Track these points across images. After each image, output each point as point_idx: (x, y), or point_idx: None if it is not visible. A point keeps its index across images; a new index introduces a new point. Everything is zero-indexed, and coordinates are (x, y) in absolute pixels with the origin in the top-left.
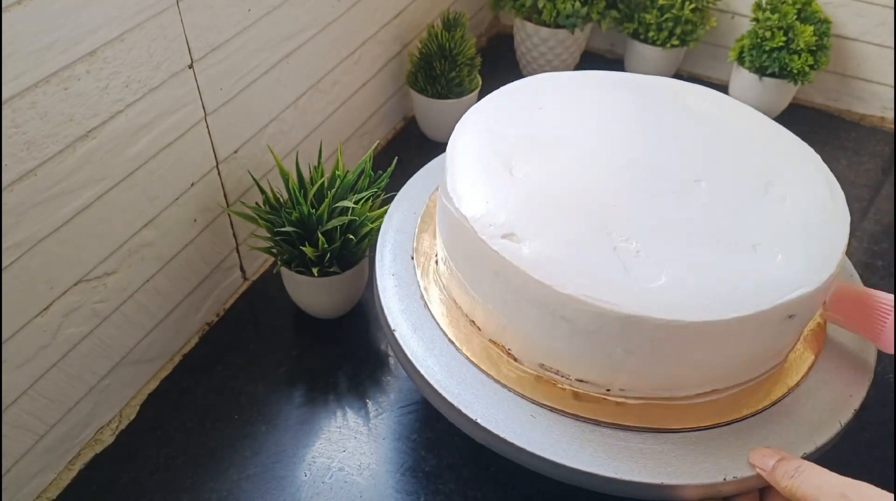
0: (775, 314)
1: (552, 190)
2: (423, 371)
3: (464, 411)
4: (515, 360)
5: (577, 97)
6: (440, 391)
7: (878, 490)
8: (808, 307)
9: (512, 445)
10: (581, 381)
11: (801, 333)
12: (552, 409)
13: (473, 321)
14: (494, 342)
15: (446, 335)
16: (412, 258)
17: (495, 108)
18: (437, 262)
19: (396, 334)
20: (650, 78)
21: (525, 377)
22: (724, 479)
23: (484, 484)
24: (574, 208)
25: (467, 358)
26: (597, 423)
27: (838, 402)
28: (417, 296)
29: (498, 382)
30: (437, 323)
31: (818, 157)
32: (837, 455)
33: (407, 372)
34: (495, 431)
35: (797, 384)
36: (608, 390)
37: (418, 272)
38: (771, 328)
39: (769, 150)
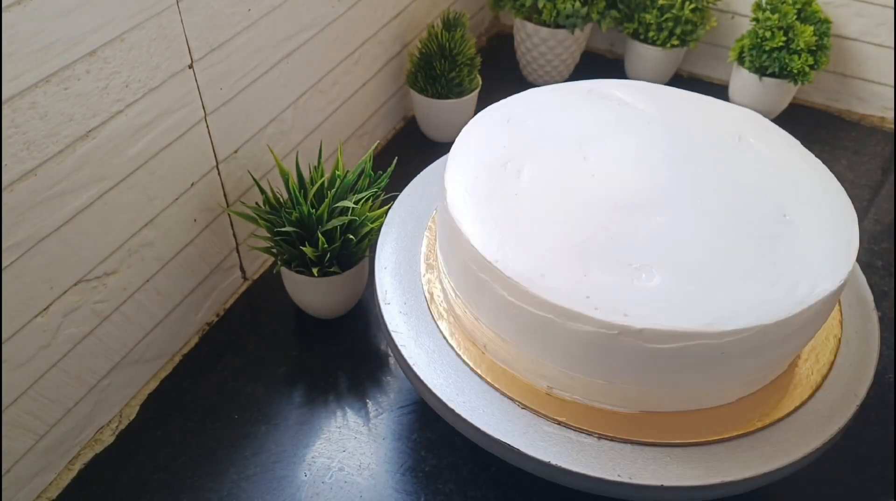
0: (828, 303)
1: (581, 230)
2: (511, 443)
3: (562, 465)
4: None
5: (549, 117)
6: (492, 433)
7: None
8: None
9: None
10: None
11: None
12: (619, 440)
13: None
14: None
15: (517, 403)
16: (432, 317)
17: (476, 152)
18: (450, 310)
19: (457, 410)
20: (641, 86)
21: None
22: (742, 477)
23: (484, 484)
24: (612, 246)
25: (515, 402)
26: (654, 444)
27: (840, 401)
28: (459, 363)
29: (555, 421)
30: (504, 393)
31: (772, 123)
32: (838, 455)
33: (467, 434)
34: (592, 473)
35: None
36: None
37: (454, 344)
38: (821, 318)
39: (748, 135)
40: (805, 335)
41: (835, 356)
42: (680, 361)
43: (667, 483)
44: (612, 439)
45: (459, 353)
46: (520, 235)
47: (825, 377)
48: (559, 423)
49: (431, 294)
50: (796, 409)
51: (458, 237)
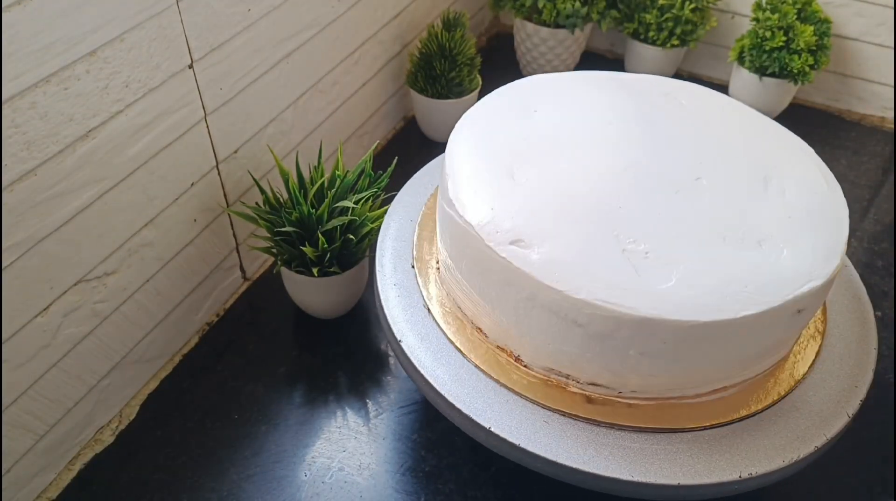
0: (785, 310)
1: (556, 194)
2: (431, 381)
3: (476, 419)
4: (524, 365)
5: (569, 99)
6: (450, 399)
7: None
8: (816, 301)
9: (526, 452)
10: (593, 384)
11: (806, 326)
12: (564, 414)
13: (479, 328)
14: (502, 348)
15: (453, 343)
16: (413, 267)
17: (491, 111)
18: (438, 268)
19: (403, 344)
20: (638, 76)
21: (535, 382)
22: (740, 476)
23: (484, 484)
24: (579, 211)
25: (475, 366)
26: (610, 426)
27: (844, 393)
28: (421, 305)
29: (508, 388)
30: (443, 331)
31: (811, 149)
32: (837, 455)
33: (415, 382)
34: (509, 438)
35: (803, 378)
36: (620, 392)
37: (419, 281)
38: (781, 323)
39: (763, 144)
40: (724, 348)
41: (833, 357)
42: (534, 312)
43: (661, 481)
44: (602, 425)
45: (466, 353)
46: (483, 182)
47: (824, 379)
48: (559, 412)
49: (431, 297)
50: (794, 409)
51: (442, 181)
